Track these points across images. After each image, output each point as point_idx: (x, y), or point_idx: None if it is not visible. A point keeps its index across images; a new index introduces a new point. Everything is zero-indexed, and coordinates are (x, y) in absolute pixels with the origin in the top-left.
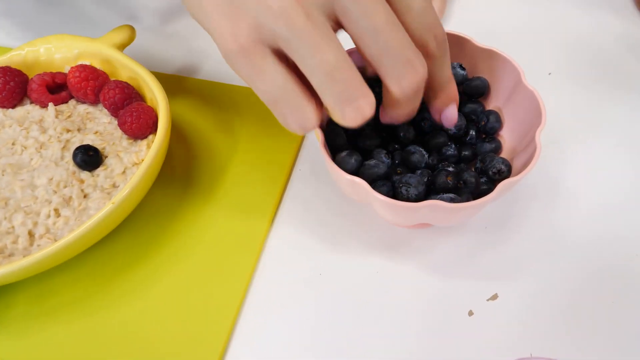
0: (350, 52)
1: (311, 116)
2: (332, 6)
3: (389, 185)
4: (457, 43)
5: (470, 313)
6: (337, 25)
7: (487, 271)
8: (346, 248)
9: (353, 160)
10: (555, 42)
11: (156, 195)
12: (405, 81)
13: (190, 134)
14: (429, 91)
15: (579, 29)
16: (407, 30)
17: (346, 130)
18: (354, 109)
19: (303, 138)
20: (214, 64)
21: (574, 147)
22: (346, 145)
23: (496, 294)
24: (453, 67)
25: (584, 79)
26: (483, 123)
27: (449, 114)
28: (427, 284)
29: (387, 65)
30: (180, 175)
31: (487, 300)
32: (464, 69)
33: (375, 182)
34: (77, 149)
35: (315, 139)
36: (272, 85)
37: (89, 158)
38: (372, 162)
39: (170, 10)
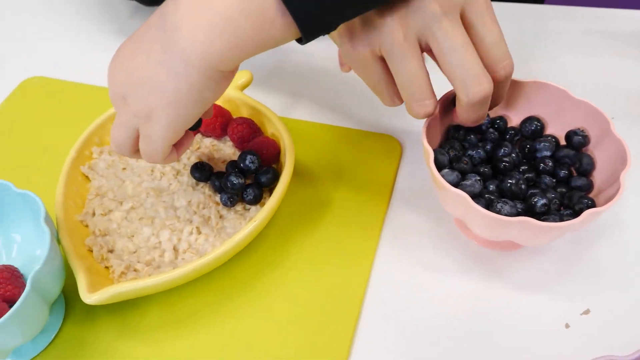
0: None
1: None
2: (423, 31)
3: (482, 202)
4: (557, 95)
5: (567, 326)
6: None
7: (576, 289)
8: (443, 267)
9: (455, 176)
10: (618, 89)
11: (275, 218)
12: (471, 90)
13: (298, 166)
14: None
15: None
16: (481, 58)
17: (448, 153)
18: (420, 105)
19: (398, 167)
20: (306, 107)
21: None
22: (448, 165)
23: (588, 309)
24: (576, 133)
25: None
26: (577, 165)
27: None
28: (521, 300)
29: (459, 76)
30: (294, 201)
31: (581, 314)
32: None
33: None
34: (214, 175)
35: (404, 171)
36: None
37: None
38: (468, 182)
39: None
